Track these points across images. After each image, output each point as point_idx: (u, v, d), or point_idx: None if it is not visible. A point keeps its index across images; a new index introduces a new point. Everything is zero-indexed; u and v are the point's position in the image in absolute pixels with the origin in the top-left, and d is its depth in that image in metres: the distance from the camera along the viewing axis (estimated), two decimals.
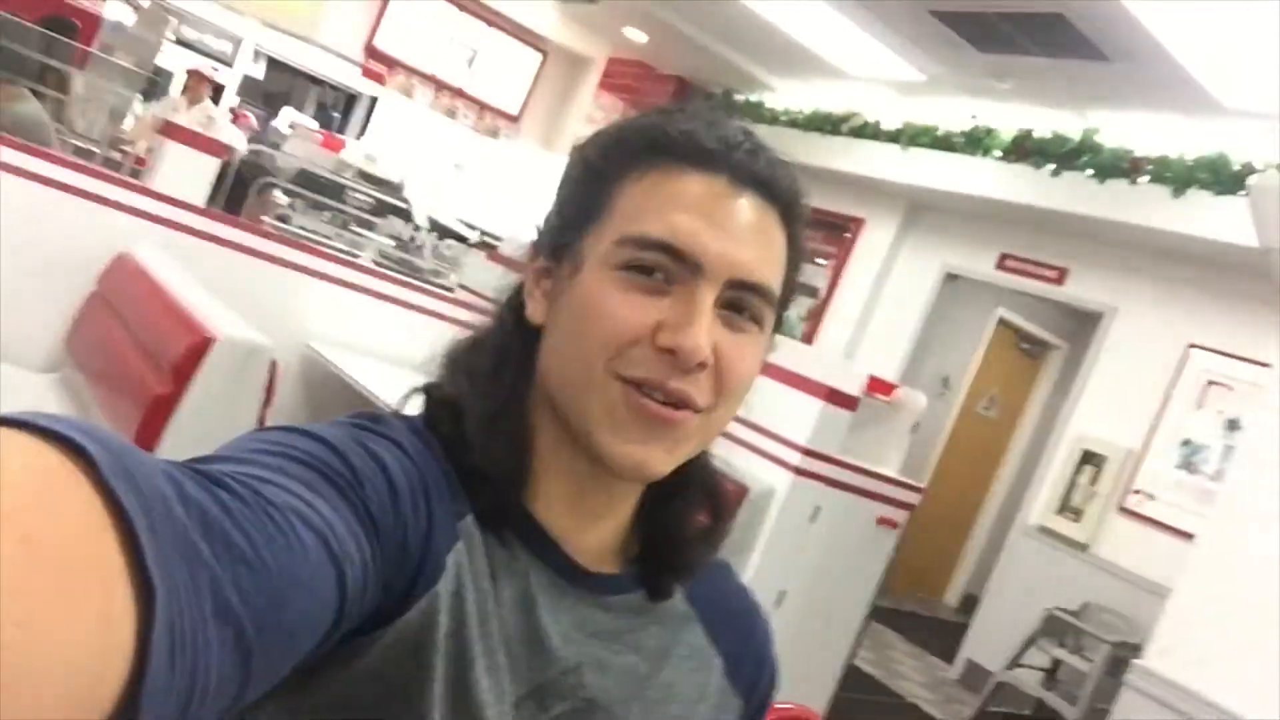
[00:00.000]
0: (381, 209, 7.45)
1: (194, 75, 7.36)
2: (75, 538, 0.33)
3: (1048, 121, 6.23)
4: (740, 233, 0.65)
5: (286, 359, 4.14)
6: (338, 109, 10.16)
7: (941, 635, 6.60)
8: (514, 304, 0.73)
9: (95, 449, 0.36)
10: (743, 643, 0.81)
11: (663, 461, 0.66)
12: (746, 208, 0.66)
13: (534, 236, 0.74)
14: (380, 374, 4.01)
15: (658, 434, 0.65)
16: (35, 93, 4.78)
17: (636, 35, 8.48)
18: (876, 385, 4.40)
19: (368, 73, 9.73)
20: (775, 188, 0.68)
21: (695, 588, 0.78)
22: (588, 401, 0.65)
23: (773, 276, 0.67)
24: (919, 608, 7.31)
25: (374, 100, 9.98)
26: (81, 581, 0.33)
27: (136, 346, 3.20)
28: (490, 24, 10.07)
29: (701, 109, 0.70)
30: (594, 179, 0.69)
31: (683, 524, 0.75)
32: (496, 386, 0.69)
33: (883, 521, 4.05)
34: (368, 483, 0.56)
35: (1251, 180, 4.03)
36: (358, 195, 7.46)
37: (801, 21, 6.47)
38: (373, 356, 4.38)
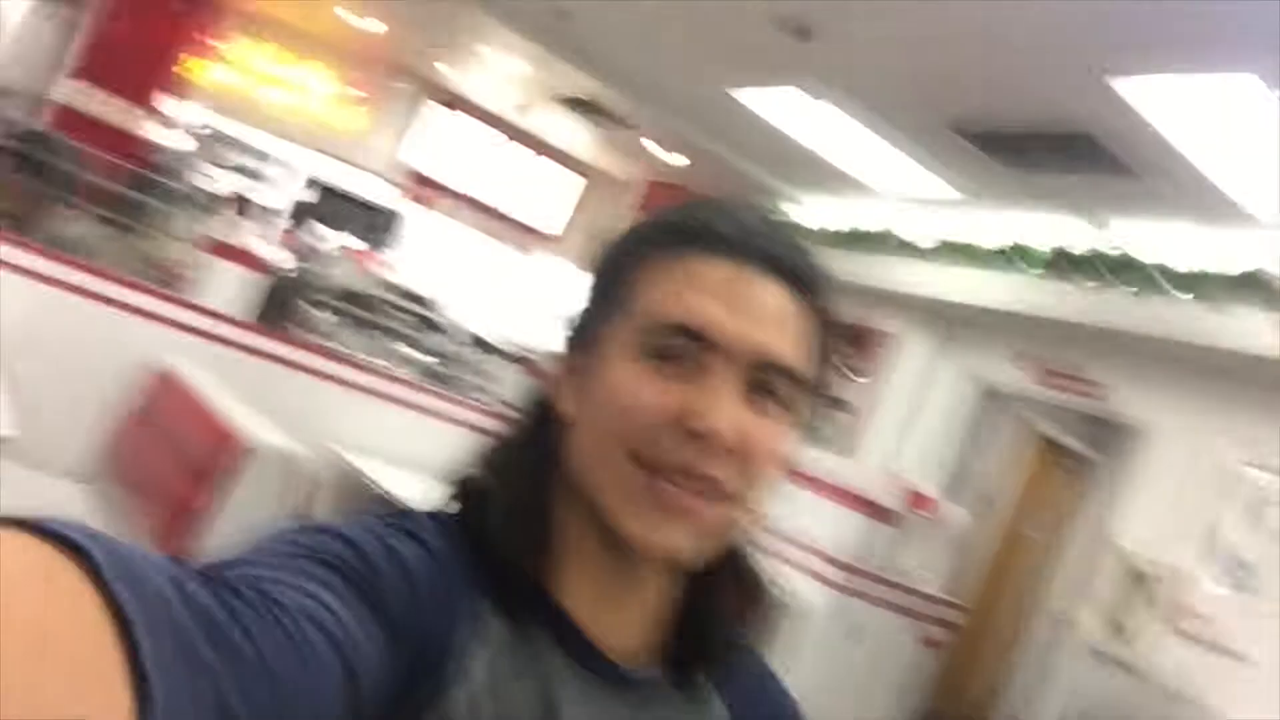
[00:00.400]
0: (421, 325, 7.58)
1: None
2: (75, 638, 0.34)
3: (1080, 232, 6.23)
4: (762, 315, 0.65)
5: (324, 470, 4.17)
6: (380, 229, 10.42)
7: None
8: (541, 401, 0.73)
9: (97, 551, 0.37)
10: None
11: (688, 546, 0.65)
12: (767, 291, 0.66)
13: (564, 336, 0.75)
14: (416, 486, 4.01)
15: (676, 519, 0.64)
16: (106, 219, 4.93)
17: (675, 159, 8.70)
18: (917, 499, 4.34)
19: (412, 195, 10.02)
20: (796, 272, 0.67)
21: (733, 687, 0.76)
22: (609, 487, 0.65)
23: (798, 359, 0.66)
24: None
25: (415, 222, 10.24)
26: (80, 682, 0.33)
27: (174, 458, 3.22)
28: (537, 151, 10.38)
29: (722, 201, 0.71)
30: (614, 270, 0.70)
31: (711, 613, 0.73)
32: (520, 479, 0.69)
33: (927, 642, 3.95)
34: (386, 580, 0.57)
35: None
36: (399, 314, 7.61)
37: (833, 141, 6.61)
38: (411, 468, 4.39)
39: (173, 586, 0.41)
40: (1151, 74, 4.15)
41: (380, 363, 5.82)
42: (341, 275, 7.39)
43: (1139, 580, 5.77)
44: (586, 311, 0.72)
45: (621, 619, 0.70)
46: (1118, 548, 5.90)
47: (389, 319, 7.48)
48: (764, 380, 0.65)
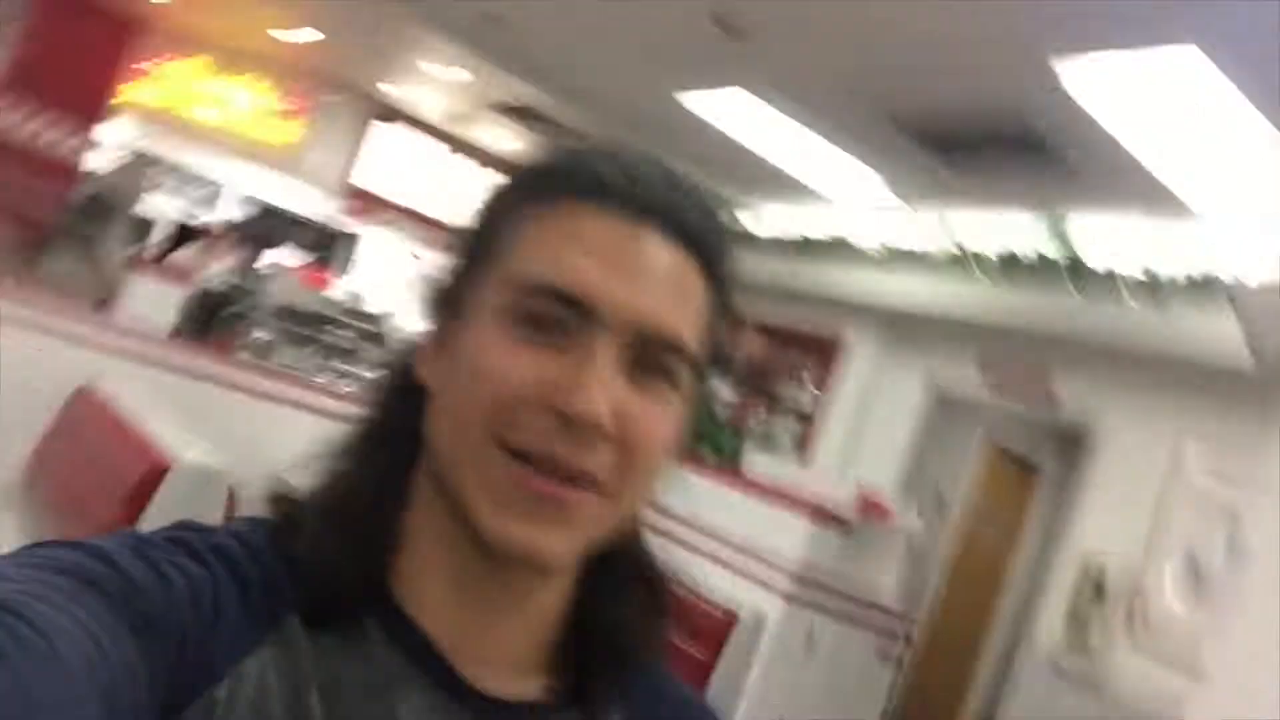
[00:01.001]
0: (366, 341, 7.43)
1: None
2: None
3: (1030, 233, 6.24)
4: (648, 279, 0.55)
5: (251, 486, 4.00)
6: (321, 248, 10.24)
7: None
8: (399, 368, 0.63)
9: None
10: None
11: (560, 547, 0.55)
12: (656, 250, 0.56)
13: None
14: None
15: (549, 515, 0.54)
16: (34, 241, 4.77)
17: None
18: (871, 507, 4.25)
19: (352, 210, 9.86)
20: (694, 231, 0.57)
21: (635, 706, 0.65)
22: (468, 474, 0.55)
23: (688, 330, 0.57)
24: None
25: (356, 237, 10.08)
26: None
27: (96, 476, 3.11)
28: (482, 163, 10.26)
29: (617, 147, 0.61)
30: (487, 222, 0.61)
31: (610, 620, 0.62)
32: (358, 467, 0.60)
33: (882, 655, 3.84)
34: (141, 589, 0.51)
35: (1238, 294, 3.96)
36: (341, 330, 7.45)
37: (779, 145, 6.58)
38: None
39: None
40: (1092, 51, 4.09)
41: (318, 379, 5.66)
42: (279, 292, 7.22)
43: (1098, 591, 5.74)
44: (455, 270, 0.62)
45: (496, 630, 0.60)
46: (1078, 557, 5.87)
47: (331, 335, 7.33)
48: (650, 355, 0.56)
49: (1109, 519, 5.79)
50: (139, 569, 0.52)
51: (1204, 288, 5.27)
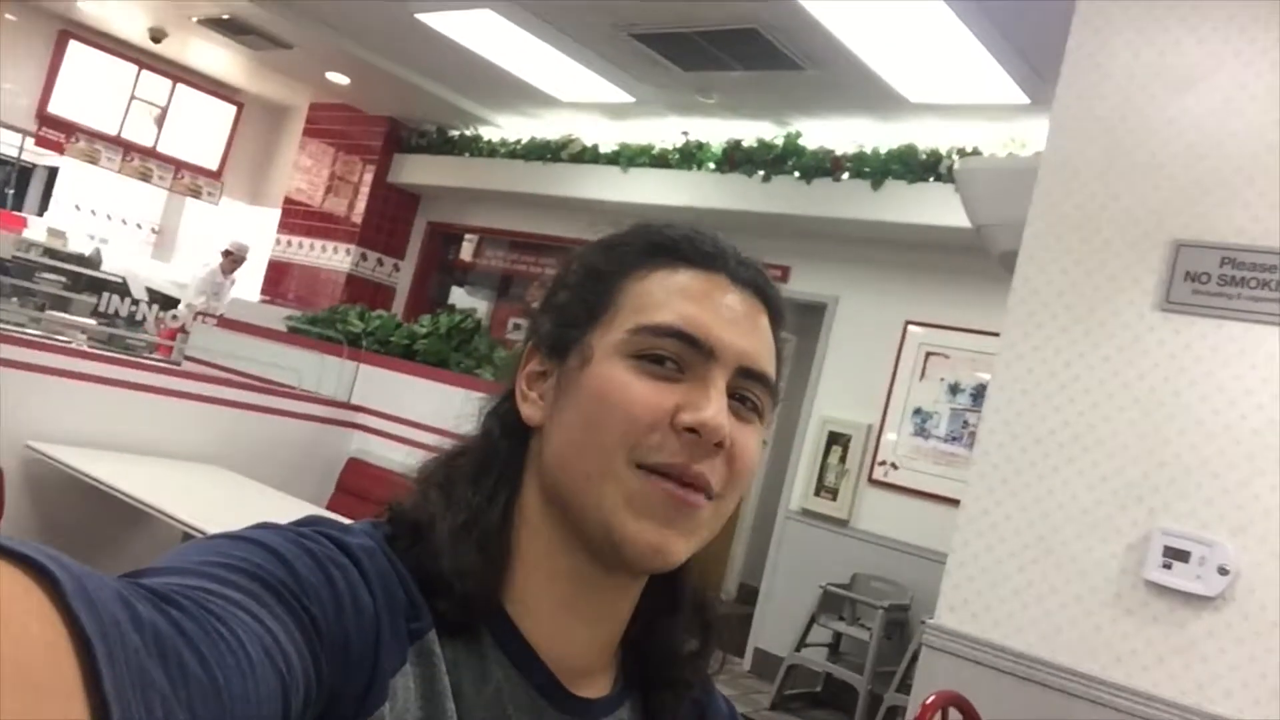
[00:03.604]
0: (78, 286, 6.88)
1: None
2: (38, 662, 0.34)
3: (754, 131, 6.61)
4: (745, 326, 0.70)
5: (4, 463, 3.73)
6: (10, 184, 9.25)
7: (729, 627, 6.80)
8: (501, 411, 0.74)
9: (60, 573, 0.37)
10: None
11: (681, 547, 0.67)
12: (749, 307, 0.71)
13: (524, 342, 0.76)
14: (117, 466, 3.69)
15: (676, 519, 0.66)
16: None
17: (338, 78, 8.26)
18: None
19: (43, 141, 8.93)
20: (766, 291, 0.73)
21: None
22: (604, 491, 0.65)
23: (770, 369, 0.71)
24: None
25: (53, 170, 9.18)
26: (41, 704, 0.33)
27: None
28: (177, 80, 9.50)
29: (685, 225, 0.75)
30: (596, 279, 0.72)
31: (675, 640, 0.76)
32: (476, 493, 0.69)
33: None
34: (312, 592, 0.55)
35: (957, 165, 4.41)
36: (47, 277, 6.85)
37: (507, 53, 6.52)
38: (104, 448, 4.02)
39: (122, 606, 0.41)
40: None
41: (36, 334, 5.24)
42: None
43: (836, 441, 6.34)
44: (560, 316, 0.72)
45: (586, 634, 0.71)
46: (819, 421, 6.43)
47: (42, 284, 6.73)
48: (744, 387, 0.69)
49: (847, 380, 6.38)
50: (309, 569, 0.56)
51: (912, 164, 5.82)
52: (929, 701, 2.49)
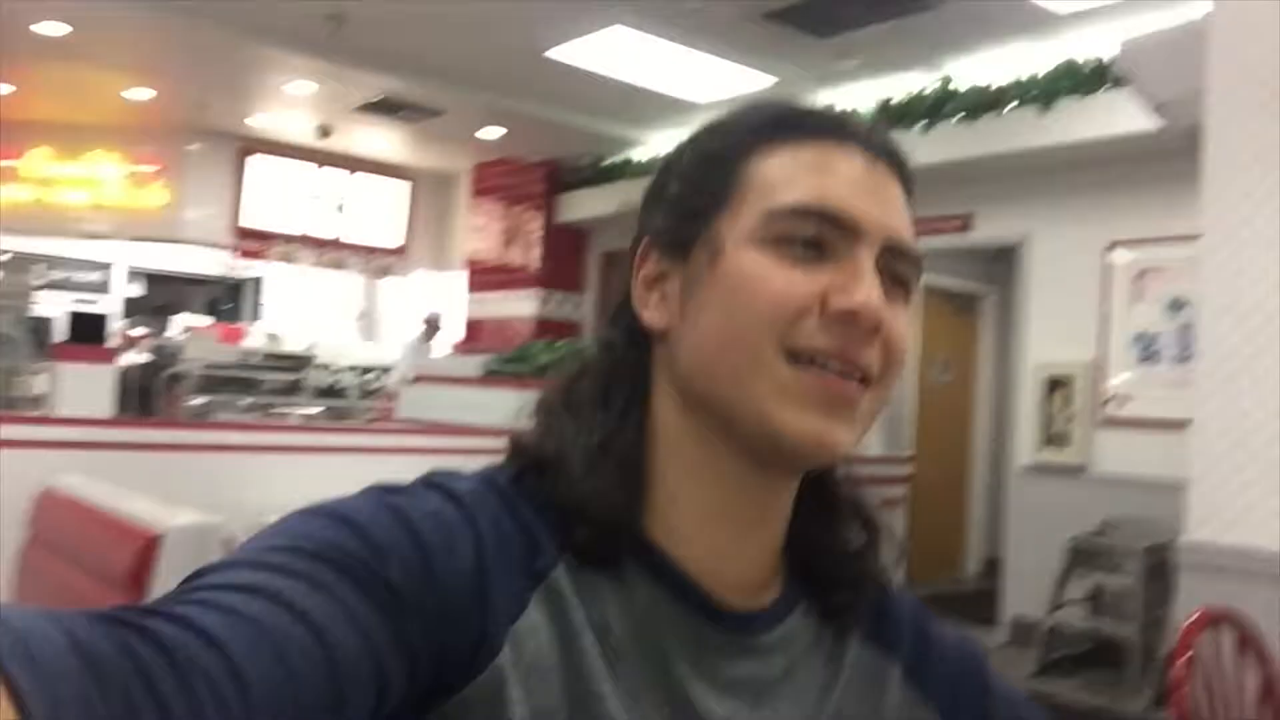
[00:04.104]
0: (293, 388, 7.34)
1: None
2: None
3: (903, 85, 6.36)
4: (888, 201, 0.64)
5: (247, 533, 3.97)
6: (228, 299, 10.04)
7: (976, 604, 6.49)
8: (621, 322, 0.68)
9: None
10: (921, 641, 0.74)
11: (844, 438, 0.61)
12: (887, 179, 0.64)
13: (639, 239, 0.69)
14: None
15: (837, 409, 0.60)
16: None
17: (493, 133, 8.54)
18: None
19: (245, 253, 9.66)
20: (900, 161, 0.66)
21: (895, 637, 0.72)
22: (757, 385, 0.60)
23: (915, 243, 0.65)
24: (943, 588, 7.18)
25: (259, 280, 9.90)
26: None
27: (84, 571, 3.04)
28: (351, 168, 10.09)
29: (797, 100, 0.70)
30: (717, 164, 0.65)
31: (839, 539, 0.70)
32: (606, 411, 0.64)
33: (887, 504, 3.97)
34: (389, 554, 0.53)
35: (1123, 46, 4.04)
36: (267, 376, 7.36)
37: (642, 68, 6.56)
38: None
39: (75, 655, 0.39)
40: None
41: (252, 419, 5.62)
42: (199, 354, 7.10)
43: (1057, 387, 5.95)
44: (677, 210, 0.66)
45: (745, 545, 0.65)
46: (1034, 366, 6.07)
47: (262, 382, 7.24)
48: (892, 264, 0.63)
49: (1057, 319, 5.99)
50: (385, 529, 0.54)
51: (1078, 78, 5.42)
52: (1192, 621, 2.22)
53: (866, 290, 0.59)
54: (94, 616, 0.42)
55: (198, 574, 0.49)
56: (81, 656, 0.39)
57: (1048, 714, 0.77)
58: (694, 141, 0.68)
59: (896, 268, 0.63)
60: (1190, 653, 2.09)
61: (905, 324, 0.63)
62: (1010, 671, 5.30)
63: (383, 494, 0.57)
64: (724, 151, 0.65)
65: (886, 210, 0.63)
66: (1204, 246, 2.73)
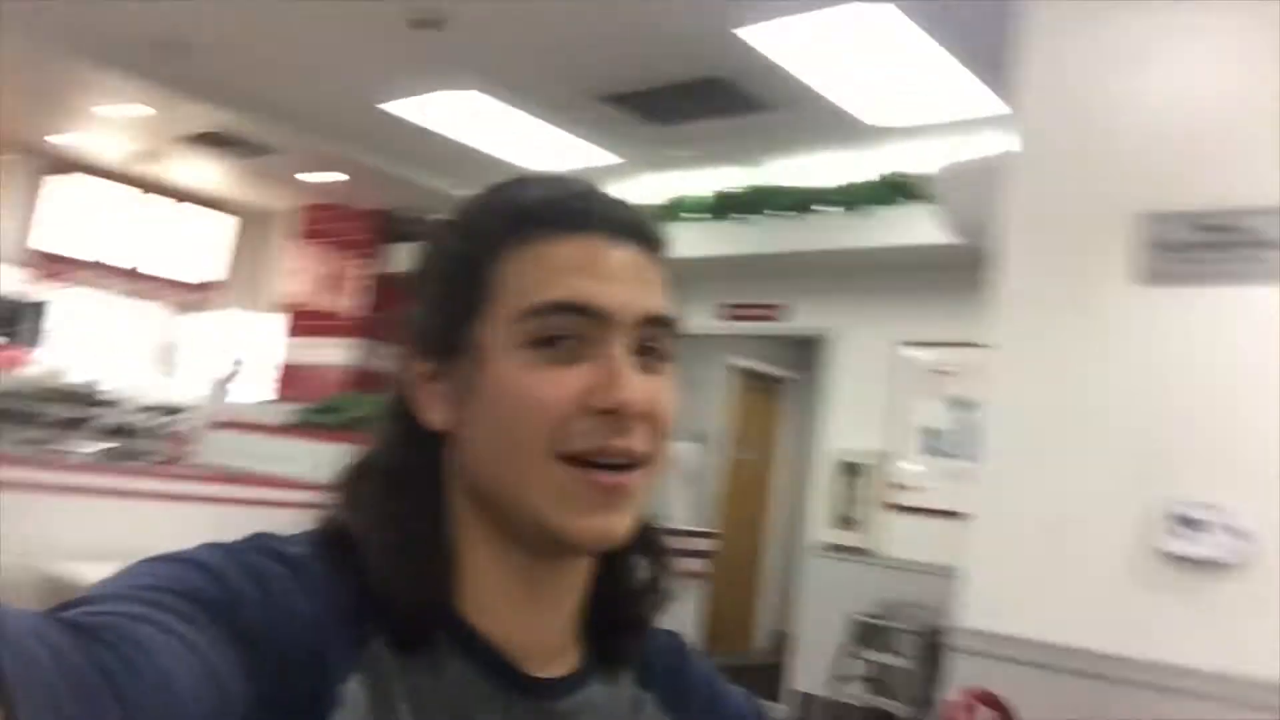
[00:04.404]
0: (74, 423, 6.91)
1: None
2: None
3: (734, 178, 6.68)
4: (633, 278, 0.66)
5: (18, 587, 3.72)
6: (13, 322, 9.33)
7: (764, 678, 6.70)
8: (398, 415, 0.69)
9: None
10: (705, 697, 0.79)
11: (623, 525, 0.65)
12: (628, 254, 0.66)
13: (401, 343, 0.70)
14: None
15: (615, 502, 0.64)
16: None
17: (323, 176, 8.41)
18: None
19: (40, 275, 9.07)
20: (644, 232, 0.69)
21: (649, 670, 0.76)
22: (532, 490, 0.63)
23: (670, 309, 0.68)
24: (732, 659, 7.38)
25: (43, 305, 9.24)
26: None
27: None
28: (176, 199, 9.70)
29: (542, 176, 0.71)
30: (465, 266, 0.67)
31: (628, 579, 0.73)
32: (398, 509, 0.65)
33: (688, 574, 4.11)
34: (244, 601, 0.55)
35: (938, 172, 4.40)
36: (49, 409, 6.90)
37: (491, 131, 6.63)
38: (125, 559, 4.00)
39: (42, 645, 0.41)
40: (774, 19, 4.50)
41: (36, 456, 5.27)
42: None
43: (850, 472, 6.30)
44: (438, 312, 0.68)
45: (544, 622, 0.69)
46: (831, 451, 6.41)
47: (44, 414, 6.78)
48: (648, 336, 0.66)
49: (853, 409, 6.37)
50: (244, 583, 0.56)
51: (894, 190, 5.86)
52: (953, 701, 2.43)
53: (625, 386, 0.62)
54: (34, 612, 0.44)
55: (64, 606, 0.50)
56: (48, 646, 0.41)
57: None
58: (442, 242, 0.70)
59: (654, 340, 0.66)
60: (952, 715, 2.29)
61: (670, 391, 0.66)
62: None
63: (224, 547, 0.59)
64: (472, 254, 0.66)
65: (636, 291, 0.65)
66: (993, 354, 3.01)
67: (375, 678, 0.60)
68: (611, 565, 0.72)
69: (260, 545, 0.61)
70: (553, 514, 0.63)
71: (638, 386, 0.63)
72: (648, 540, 0.73)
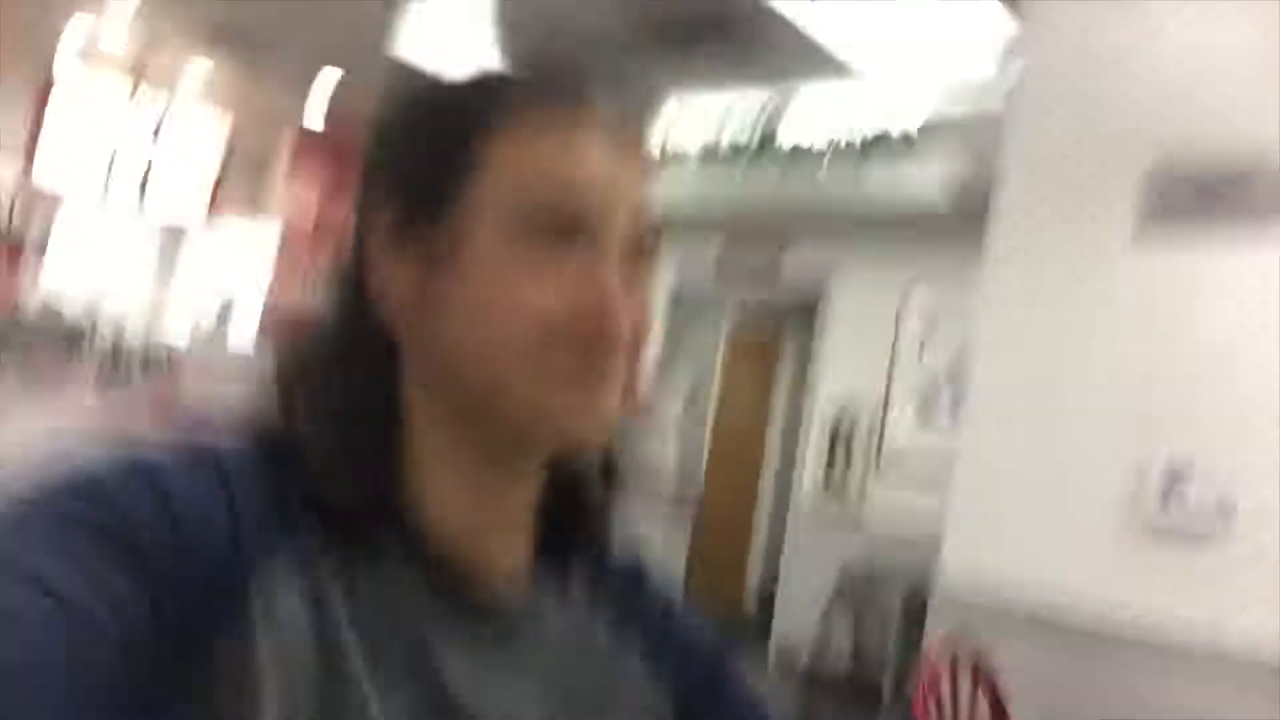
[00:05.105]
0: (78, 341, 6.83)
1: None
2: None
3: (728, 128, 6.52)
4: (633, 176, 0.63)
5: None
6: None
7: (752, 639, 6.68)
8: (349, 285, 0.64)
9: None
10: (666, 623, 0.77)
11: (604, 433, 0.63)
12: (629, 146, 0.64)
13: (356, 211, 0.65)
14: None
15: (598, 413, 0.61)
16: None
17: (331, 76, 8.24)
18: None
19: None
20: (634, 114, 0.66)
21: (601, 590, 0.74)
22: (515, 399, 0.60)
23: (656, 210, 0.65)
24: (720, 621, 7.37)
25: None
26: None
27: None
28: (175, 100, 9.48)
29: (538, 55, 0.68)
30: (452, 143, 0.62)
31: (582, 489, 0.70)
32: (344, 401, 0.61)
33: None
34: (144, 529, 0.51)
35: (934, 117, 4.28)
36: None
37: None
38: None
39: None
40: None
41: None
42: None
43: (839, 437, 6.29)
44: (402, 190, 0.63)
45: (501, 526, 0.66)
46: (824, 414, 6.38)
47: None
48: (636, 240, 0.63)
49: (848, 375, 6.33)
50: (136, 495, 0.53)
51: (895, 142, 5.75)
52: (934, 657, 2.40)
53: (617, 314, 0.60)
54: None
55: None
56: None
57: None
58: (419, 118, 0.65)
59: (641, 240, 0.63)
60: (932, 672, 2.30)
61: (648, 303, 0.65)
62: (778, 694, 5.55)
63: (133, 456, 0.55)
64: (455, 127, 0.62)
65: (633, 188, 0.63)
66: (983, 307, 2.99)
67: (309, 582, 0.57)
68: (564, 486, 0.69)
69: (179, 447, 0.57)
70: (531, 426, 0.61)
71: (624, 316, 0.60)
72: (604, 462, 0.71)
